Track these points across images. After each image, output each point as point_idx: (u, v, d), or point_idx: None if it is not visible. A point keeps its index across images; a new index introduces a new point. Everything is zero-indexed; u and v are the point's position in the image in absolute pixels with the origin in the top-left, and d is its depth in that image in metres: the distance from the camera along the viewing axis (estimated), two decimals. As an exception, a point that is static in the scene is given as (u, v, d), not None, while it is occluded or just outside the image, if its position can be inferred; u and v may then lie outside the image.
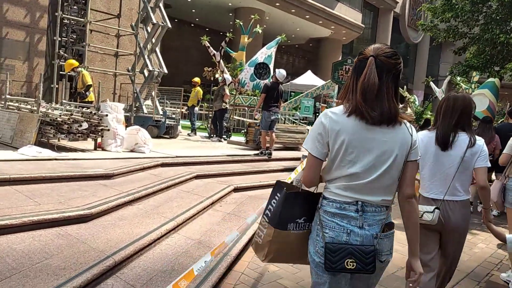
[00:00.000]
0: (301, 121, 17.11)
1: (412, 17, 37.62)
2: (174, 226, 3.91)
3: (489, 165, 2.64)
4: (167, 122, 10.28)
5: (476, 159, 2.57)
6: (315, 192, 1.82)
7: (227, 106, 11.05)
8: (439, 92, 18.74)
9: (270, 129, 8.13)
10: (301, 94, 18.10)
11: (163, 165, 6.36)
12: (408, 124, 1.70)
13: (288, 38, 32.84)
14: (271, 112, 7.98)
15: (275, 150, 9.71)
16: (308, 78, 21.50)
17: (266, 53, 16.35)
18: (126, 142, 7.37)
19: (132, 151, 7.28)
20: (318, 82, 20.24)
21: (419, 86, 37.99)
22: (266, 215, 1.80)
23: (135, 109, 10.72)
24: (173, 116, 10.99)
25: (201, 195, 5.08)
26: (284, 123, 15.63)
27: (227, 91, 10.73)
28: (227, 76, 11.71)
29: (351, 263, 1.59)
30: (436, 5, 9.38)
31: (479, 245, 4.85)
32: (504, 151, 4.01)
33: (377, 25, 36.52)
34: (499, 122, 8.19)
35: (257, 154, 8.23)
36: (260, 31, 16.70)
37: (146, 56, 11.04)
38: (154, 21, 10.70)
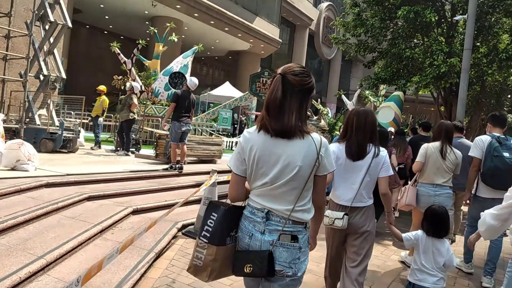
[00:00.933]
0: (219, 133, 16.64)
1: (326, 34, 39.62)
2: (42, 266, 3.07)
3: (391, 173, 2.90)
4: (64, 134, 9.04)
5: (380, 169, 2.81)
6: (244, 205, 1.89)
7: (135, 116, 10.12)
8: (350, 105, 19.62)
9: (181, 141, 7.45)
10: (219, 105, 17.65)
11: (48, 185, 5.34)
12: (317, 138, 1.76)
13: (208, 50, 32.59)
14: (182, 122, 7.31)
15: (188, 163, 9.04)
16: (226, 90, 21.18)
17: (182, 63, 15.67)
18: (5, 159, 6.15)
19: (13, 169, 6.08)
20: (236, 93, 20.00)
21: (331, 99, 39.93)
22: (204, 236, 1.81)
23: (27, 120, 9.31)
24: (73, 127, 9.74)
25: (89, 222, 4.24)
26: (201, 134, 15.01)
27: (134, 100, 9.81)
28: (135, 84, 10.79)
29: (248, 268, 1.72)
30: (347, 20, 9.57)
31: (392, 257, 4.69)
32: (416, 159, 4.31)
33: (293, 41, 37.77)
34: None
35: (166, 169, 7.48)
36: (175, 39, 15.98)
37: (41, 59, 9.70)
38: (52, 19, 9.47)
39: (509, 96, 11.46)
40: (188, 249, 4.14)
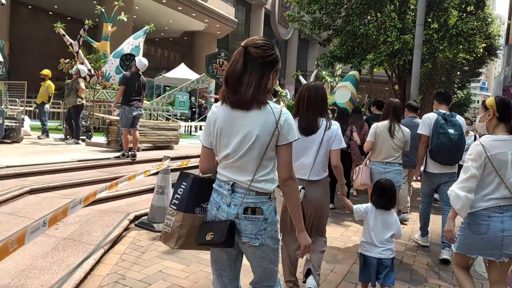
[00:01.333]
0: (177, 117, 16.17)
1: (282, 13, 39.33)
2: (-30, 271, 2.74)
3: (343, 146, 2.94)
4: (6, 123, 8.35)
5: (332, 142, 2.86)
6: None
7: (84, 102, 9.52)
8: (308, 85, 19.63)
9: (132, 126, 7.06)
10: (175, 89, 17.09)
11: (-17, 179, 4.88)
12: (276, 108, 1.76)
13: (161, 31, 31.42)
14: (133, 107, 6.91)
15: (143, 150, 8.67)
16: (182, 72, 20.47)
17: (133, 44, 14.94)
18: None
19: None
20: (192, 75, 19.42)
21: (290, 81, 40.02)
22: (173, 204, 1.87)
23: (-39, 108, 8.50)
24: (16, 116, 9.02)
25: (30, 217, 3.90)
26: (157, 119, 14.50)
27: (81, 85, 9.20)
28: (82, 67, 10.13)
29: (210, 236, 1.74)
30: (302, -3, 9.40)
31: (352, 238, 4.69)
32: (367, 139, 4.45)
33: (250, 21, 37.22)
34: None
35: (118, 157, 7.09)
36: (125, 19, 15.11)
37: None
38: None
39: (458, 73, 11.88)
40: (141, 241, 3.90)
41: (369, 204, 2.96)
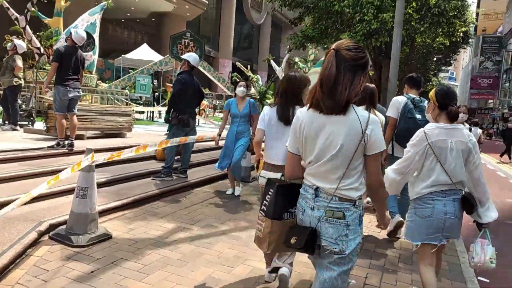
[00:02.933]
0: (138, 102, 15.02)
1: (255, -2, 38.20)
2: None
3: None
4: None
5: None
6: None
7: (21, 82, 8.32)
8: (279, 71, 18.82)
9: (69, 111, 6.02)
10: (136, 71, 15.85)
11: None
12: (363, 115, 1.72)
13: (127, 11, 29.74)
14: (69, 87, 5.85)
15: (88, 138, 7.63)
16: (144, 53, 19.08)
17: (88, 21, 13.56)
18: None
19: None
20: (155, 57, 18.16)
21: (263, 66, 39.14)
22: (262, 210, 2.02)
23: None
24: None
25: None
26: (113, 104, 13.32)
27: (18, 62, 8.01)
28: (19, 42, 8.89)
29: (294, 239, 1.78)
30: (273, -29, 8.47)
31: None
32: None
33: (221, 4, 35.89)
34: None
35: (52, 147, 6.04)
36: (79, -8, 13.70)
37: None
38: None
39: (434, 59, 11.35)
40: (49, 263, 2.96)
41: None
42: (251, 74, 24.03)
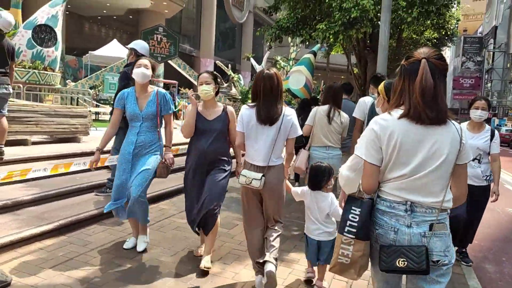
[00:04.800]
0: (107, 103, 13.96)
1: (236, -4, 37.34)
2: None
3: (300, 133, 3.00)
4: None
5: (289, 130, 2.93)
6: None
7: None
8: (259, 69, 18.04)
9: (-4, 112, 5.03)
10: (105, 69, 14.78)
11: None
12: (457, 124, 1.74)
13: (103, 7, 28.49)
14: (-7, 84, 4.88)
15: (34, 144, 6.66)
16: (114, 49, 17.89)
17: (49, 13, 12.48)
18: None
19: None
20: (125, 53, 17.07)
21: (246, 66, 38.28)
22: (348, 232, 1.79)
23: None
24: None
25: None
26: (78, 104, 12.26)
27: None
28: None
29: (402, 262, 1.65)
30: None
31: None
32: (306, 123, 4.29)
33: (202, 2, 34.92)
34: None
35: (-27, 156, 5.03)
36: (38, -18, 12.59)
37: None
38: None
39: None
40: None
41: (305, 187, 3.09)
42: (232, 73, 23.14)
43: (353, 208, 1.79)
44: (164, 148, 3.53)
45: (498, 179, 3.79)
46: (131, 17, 30.68)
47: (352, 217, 1.78)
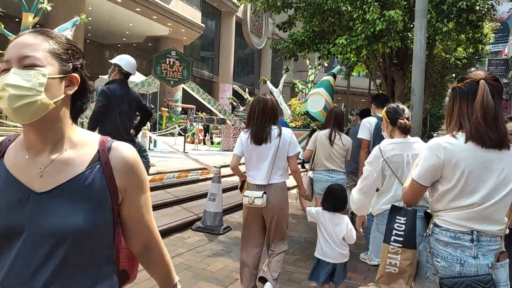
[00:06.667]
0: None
1: (254, 23, 37.46)
2: None
3: (299, 150, 3.14)
4: None
5: (288, 148, 3.06)
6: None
7: None
8: (276, 92, 17.34)
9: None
10: (116, 94, 14.34)
11: None
12: None
13: (122, 35, 28.84)
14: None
15: None
16: (128, 75, 17.60)
17: (59, 38, 12.20)
18: None
19: None
20: (137, 77, 16.70)
21: (265, 91, 37.99)
22: (395, 241, 1.79)
23: None
24: None
25: None
26: (82, 127, 11.74)
27: None
28: None
29: None
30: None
31: None
32: (307, 147, 4.43)
33: (220, 29, 35.14)
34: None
35: None
36: (49, 7, 12.43)
37: None
38: None
39: (453, 75, 9.69)
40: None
41: (319, 208, 3.05)
42: (248, 97, 22.45)
43: (397, 217, 1.81)
44: None
45: None
46: (150, 44, 30.99)
47: (397, 226, 1.79)
